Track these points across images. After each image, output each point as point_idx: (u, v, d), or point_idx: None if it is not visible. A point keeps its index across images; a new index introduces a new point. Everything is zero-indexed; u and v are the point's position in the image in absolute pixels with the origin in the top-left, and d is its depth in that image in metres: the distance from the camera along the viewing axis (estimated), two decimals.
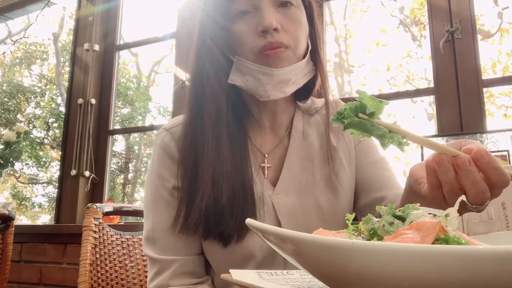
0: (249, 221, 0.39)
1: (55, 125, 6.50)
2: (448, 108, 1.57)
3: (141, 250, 1.22)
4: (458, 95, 1.56)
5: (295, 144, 0.87)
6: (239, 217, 0.75)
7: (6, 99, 6.42)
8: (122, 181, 6.39)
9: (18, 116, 6.60)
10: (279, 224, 0.81)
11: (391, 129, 0.49)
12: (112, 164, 5.87)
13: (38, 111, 6.73)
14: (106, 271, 1.18)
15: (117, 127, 4.80)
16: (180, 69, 2.16)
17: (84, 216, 1.19)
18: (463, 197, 0.44)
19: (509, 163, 1.29)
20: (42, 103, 6.76)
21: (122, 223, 2.19)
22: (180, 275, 0.78)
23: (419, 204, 0.41)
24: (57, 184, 2.53)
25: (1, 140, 2.50)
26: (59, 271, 2.12)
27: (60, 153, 2.54)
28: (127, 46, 2.75)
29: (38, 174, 6.61)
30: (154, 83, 6.87)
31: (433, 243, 0.34)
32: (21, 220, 6.26)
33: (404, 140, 0.49)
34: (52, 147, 6.56)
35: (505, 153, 1.30)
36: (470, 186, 0.51)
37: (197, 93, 0.83)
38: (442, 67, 1.61)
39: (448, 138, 1.44)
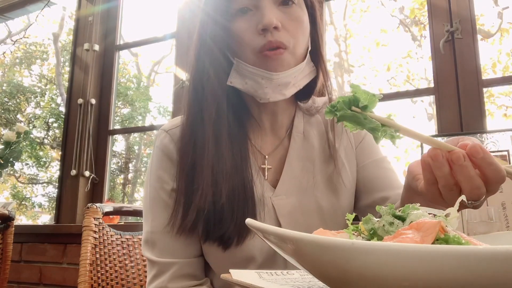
0: (249, 221, 0.39)
1: (55, 125, 6.50)
2: (448, 108, 1.57)
3: (141, 250, 1.22)
4: (458, 95, 1.56)
5: (295, 145, 0.87)
6: (239, 219, 0.75)
7: (6, 99, 6.42)
8: (122, 181, 6.39)
9: (18, 116, 6.60)
10: (279, 226, 0.80)
11: (384, 123, 0.49)
12: (112, 164, 5.88)
13: (38, 111, 6.73)
14: (106, 271, 1.18)
15: (117, 127, 4.80)
16: (180, 69, 2.16)
17: (84, 216, 1.19)
18: (463, 197, 0.43)
19: (509, 163, 1.29)
20: (42, 103, 6.76)
21: (122, 223, 2.19)
22: (179, 277, 0.78)
23: (419, 204, 0.41)
24: (57, 184, 2.53)
25: (1, 140, 2.50)
26: (59, 271, 2.12)
27: (60, 153, 2.54)
28: (127, 46, 2.75)
29: (38, 174, 6.61)
30: (154, 83, 6.87)
31: (433, 243, 0.34)
32: (21, 220, 6.26)
33: (397, 133, 0.49)
34: (52, 147, 6.56)
35: (505, 153, 1.30)
36: (465, 181, 0.51)
37: (197, 93, 0.82)
38: (442, 67, 1.61)
39: (448, 138, 1.44)
